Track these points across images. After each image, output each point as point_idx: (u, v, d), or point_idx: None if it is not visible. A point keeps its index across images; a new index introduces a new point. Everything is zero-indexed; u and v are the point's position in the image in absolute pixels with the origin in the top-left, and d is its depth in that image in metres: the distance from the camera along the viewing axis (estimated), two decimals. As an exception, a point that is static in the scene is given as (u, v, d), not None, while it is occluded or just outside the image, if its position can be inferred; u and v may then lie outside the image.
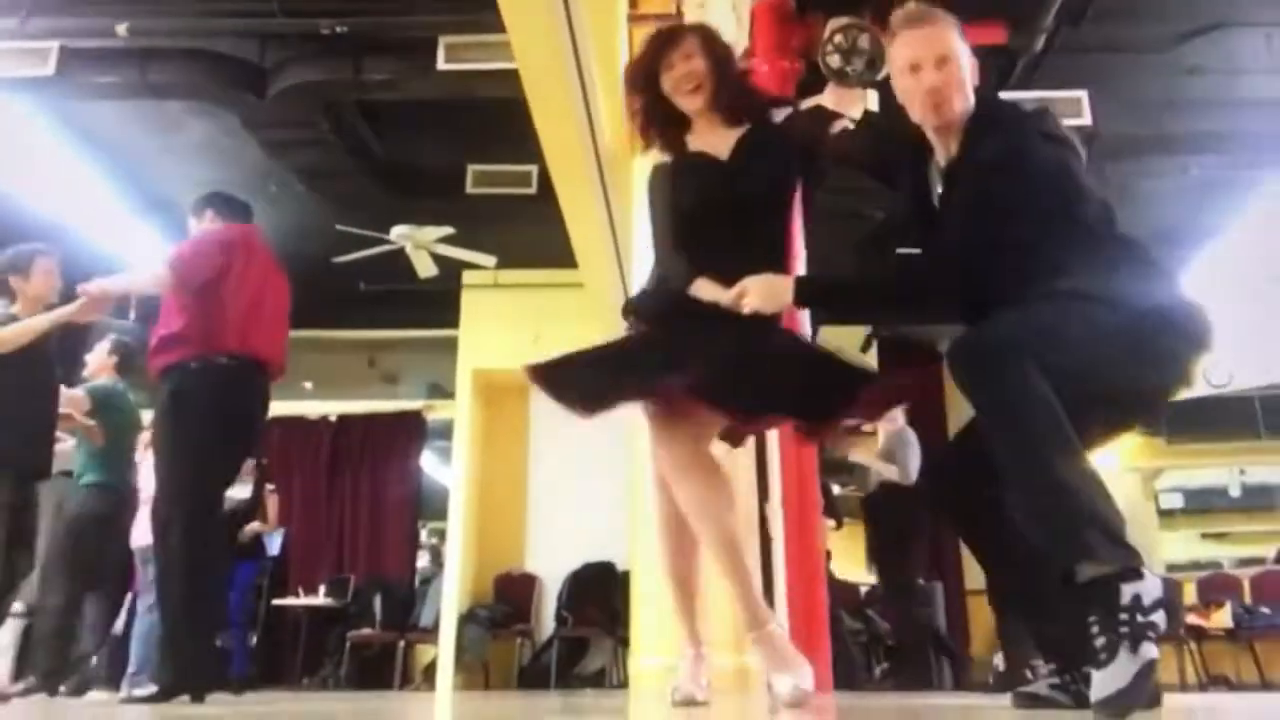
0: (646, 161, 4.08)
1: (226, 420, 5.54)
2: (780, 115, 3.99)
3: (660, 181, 3.96)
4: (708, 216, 3.79)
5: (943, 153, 3.37)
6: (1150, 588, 2.64)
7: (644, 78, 3.94)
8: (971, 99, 3.30)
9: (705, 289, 3.57)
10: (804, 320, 6.77)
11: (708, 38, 4.00)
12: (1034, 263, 3.09)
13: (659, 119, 3.95)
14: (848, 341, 13.20)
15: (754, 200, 3.81)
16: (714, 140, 3.90)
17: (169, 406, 5.53)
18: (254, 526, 10.36)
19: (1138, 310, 2.99)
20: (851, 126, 3.82)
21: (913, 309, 3.88)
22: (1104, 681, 2.57)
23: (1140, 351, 3.00)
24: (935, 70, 3.26)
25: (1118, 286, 3.01)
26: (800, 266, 6.69)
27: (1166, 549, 15.22)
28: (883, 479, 9.69)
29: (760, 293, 3.40)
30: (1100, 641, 2.60)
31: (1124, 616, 2.60)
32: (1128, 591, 2.62)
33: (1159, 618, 2.62)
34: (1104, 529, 2.68)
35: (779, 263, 3.76)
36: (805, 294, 3.45)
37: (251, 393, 5.76)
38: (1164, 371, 3.12)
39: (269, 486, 10.71)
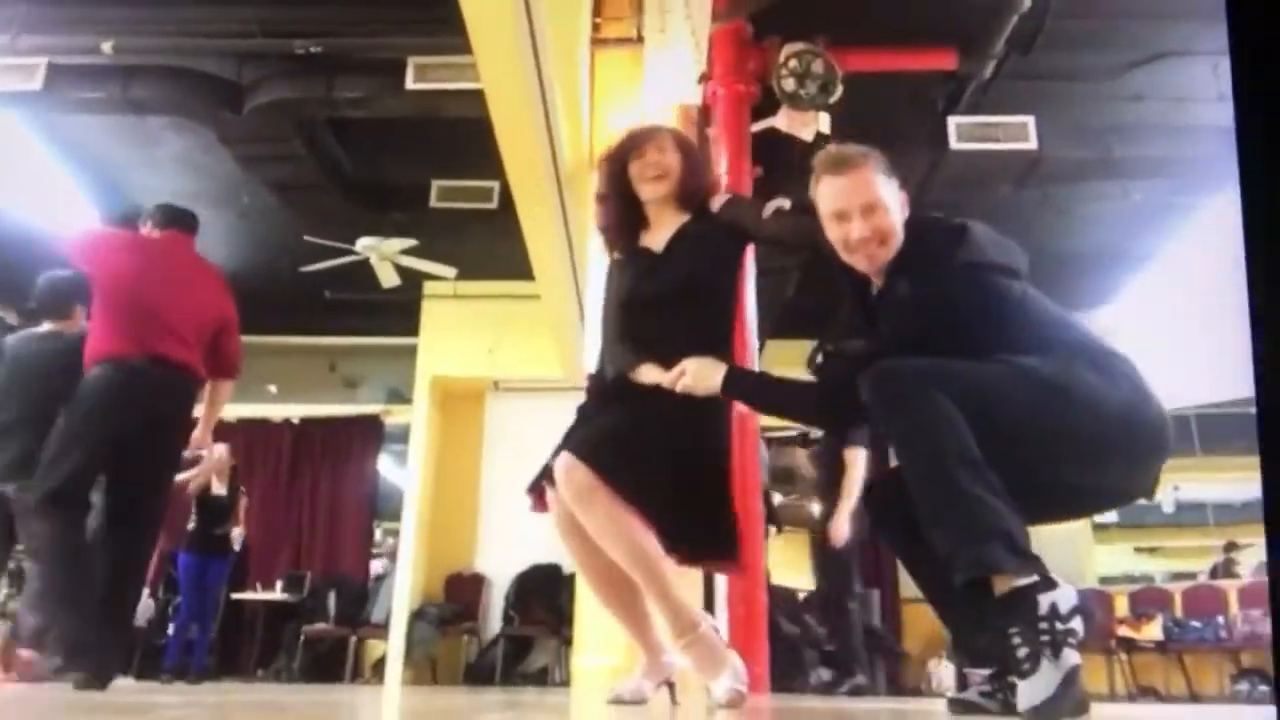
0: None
1: (112, 418, 5.58)
2: (718, 203, 4.07)
3: (610, 277, 4.14)
4: (640, 306, 3.92)
5: (875, 279, 3.37)
6: (1065, 596, 2.69)
7: (615, 164, 4.06)
8: (900, 236, 3.27)
9: (647, 373, 3.71)
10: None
11: (681, 139, 4.17)
12: None
13: (621, 212, 4.07)
14: (792, 355, 13.59)
15: (680, 290, 3.87)
16: (658, 235, 4.02)
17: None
18: (237, 532, 10.75)
19: (1106, 408, 2.99)
20: (786, 206, 3.82)
21: (829, 424, 4.00)
22: (1030, 691, 2.62)
23: (1106, 452, 3.00)
24: (862, 220, 3.23)
25: (1078, 375, 3.00)
26: (751, 283, 6.98)
27: (1100, 562, 15.28)
28: None
29: (692, 373, 3.56)
30: (1023, 652, 2.64)
31: (1043, 625, 2.64)
32: (1044, 601, 2.66)
33: (1077, 624, 2.66)
34: (1007, 542, 2.71)
35: (718, 347, 3.78)
36: (731, 385, 3.55)
37: (148, 391, 5.67)
38: (1133, 478, 3.15)
39: (241, 488, 11.09)
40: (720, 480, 3.86)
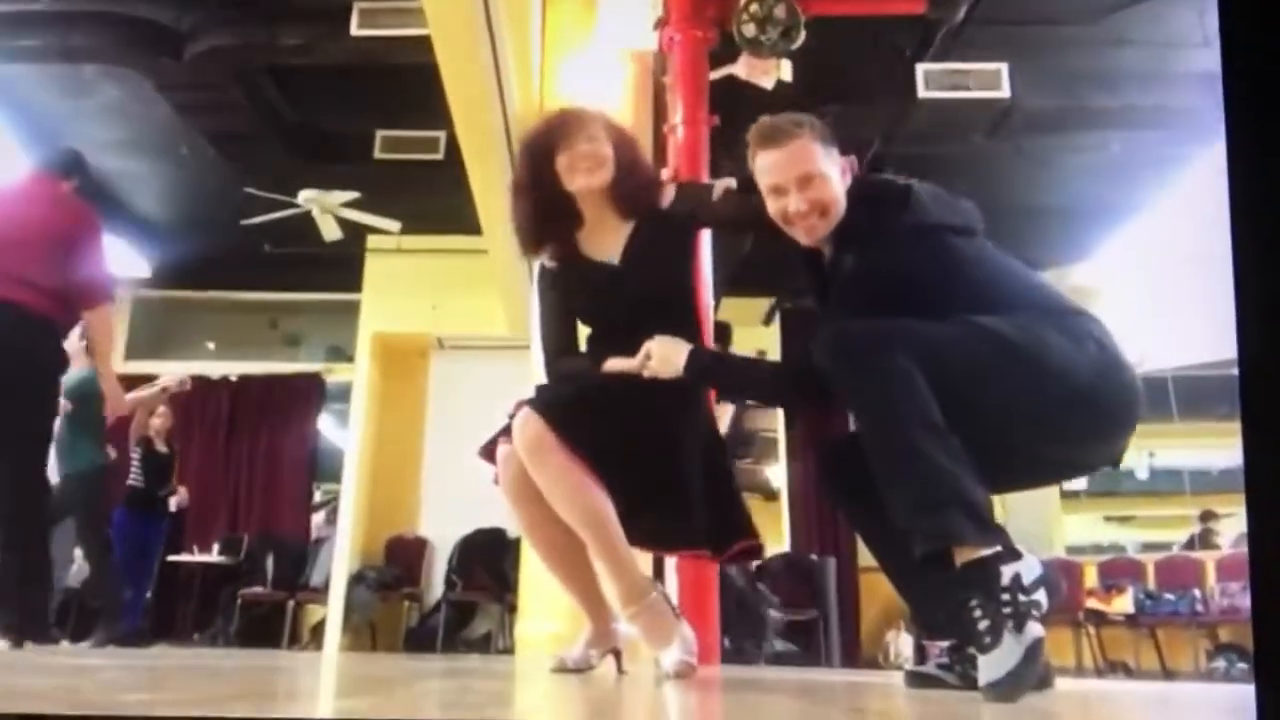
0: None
1: None
2: (667, 198, 3.84)
3: (549, 287, 3.86)
4: (604, 322, 3.77)
5: (824, 251, 3.33)
6: (1030, 566, 2.63)
7: (538, 154, 3.75)
8: (842, 205, 3.20)
9: (615, 364, 3.54)
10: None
11: (613, 125, 3.85)
12: None
13: (547, 209, 3.75)
14: (752, 312, 13.53)
15: (649, 305, 3.69)
16: (605, 241, 3.78)
17: None
18: (182, 492, 10.48)
19: (1071, 372, 2.92)
20: (734, 185, 3.69)
21: (788, 406, 3.92)
22: (992, 664, 2.56)
23: (1071, 420, 2.96)
24: (799, 192, 3.16)
25: (1042, 336, 2.93)
26: (707, 239, 6.82)
27: (1068, 531, 15.15)
28: None
29: (657, 355, 3.45)
30: (983, 625, 2.58)
31: (1005, 597, 2.58)
32: (1007, 572, 2.60)
33: (1041, 596, 2.60)
34: (969, 510, 2.66)
35: (690, 338, 3.62)
36: (694, 367, 3.43)
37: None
38: (1099, 449, 3.16)
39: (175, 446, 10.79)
40: (720, 472, 3.72)
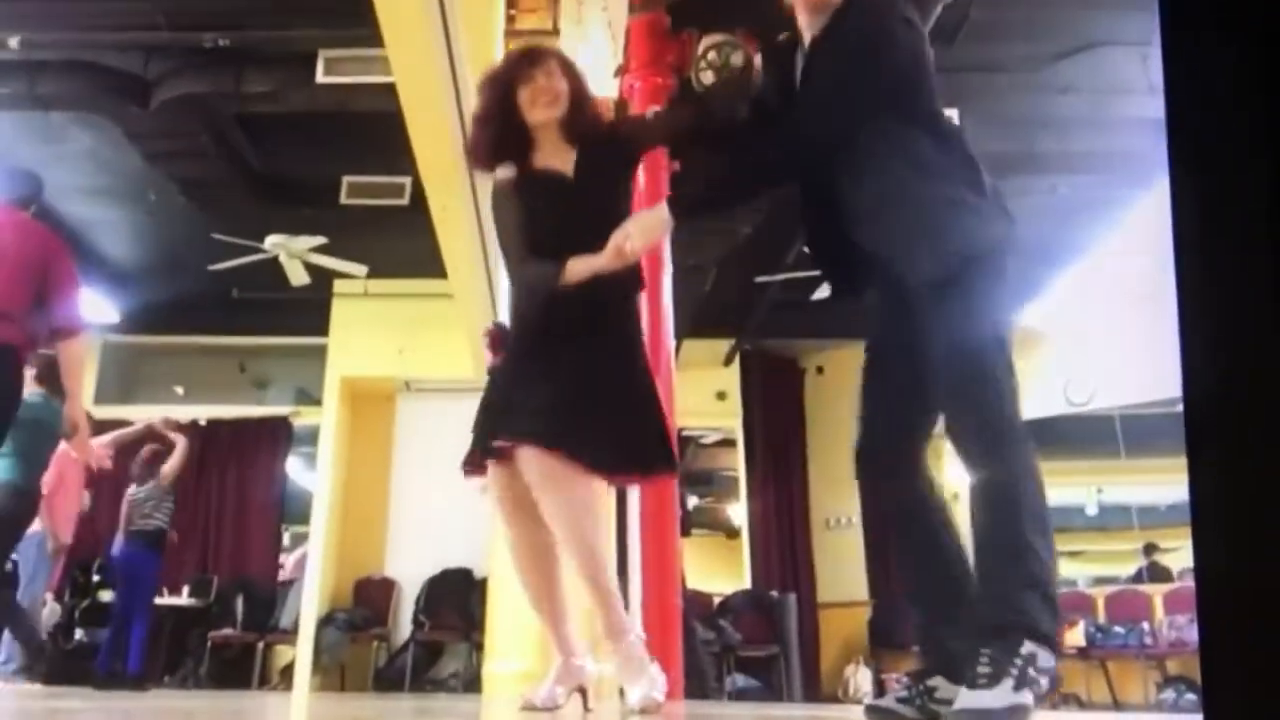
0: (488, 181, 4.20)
1: None
2: (607, 125, 4.27)
3: (506, 198, 4.03)
4: (560, 230, 3.85)
5: (809, 33, 3.38)
6: (1047, 656, 2.74)
7: (501, 88, 3.99)
8: None
9: (577, 267, 3.65)
10: (668, 331, 7.07)
11: (566, 63, 4.12)
12: (873, 162, 3.18)
13: (505, 135, 4.00)
14: (712, 353, 13.66)
15: (602, 214, 3.81)
16: (555, 160, 4.00)
17: None
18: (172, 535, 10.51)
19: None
20: (659, 108, 4.00)
21: (766, 192, 3.97)
22: (976, 697, 2.68)
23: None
24: None
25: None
26: (667, 280, 6.98)
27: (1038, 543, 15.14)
28: None
29: (641, 231, 3.54)
30: (985, 669, 2.70)
31: (1018, 662, 2.69)
32: (1029, 646, 2.72)
33: (1045, 683, 2.71)
34: (1051, 608, 2.81)
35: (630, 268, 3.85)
36: (681, 211, 3.51)
37: None
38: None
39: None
40: (654, 399, 3.97)
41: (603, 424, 3.74)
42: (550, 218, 3.90)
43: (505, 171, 4.02)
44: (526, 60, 4.06)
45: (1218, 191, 1.11)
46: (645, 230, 3.56)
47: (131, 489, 10.15)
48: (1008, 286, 3.22)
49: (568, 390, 3.73)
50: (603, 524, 3.81)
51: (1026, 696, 2.66)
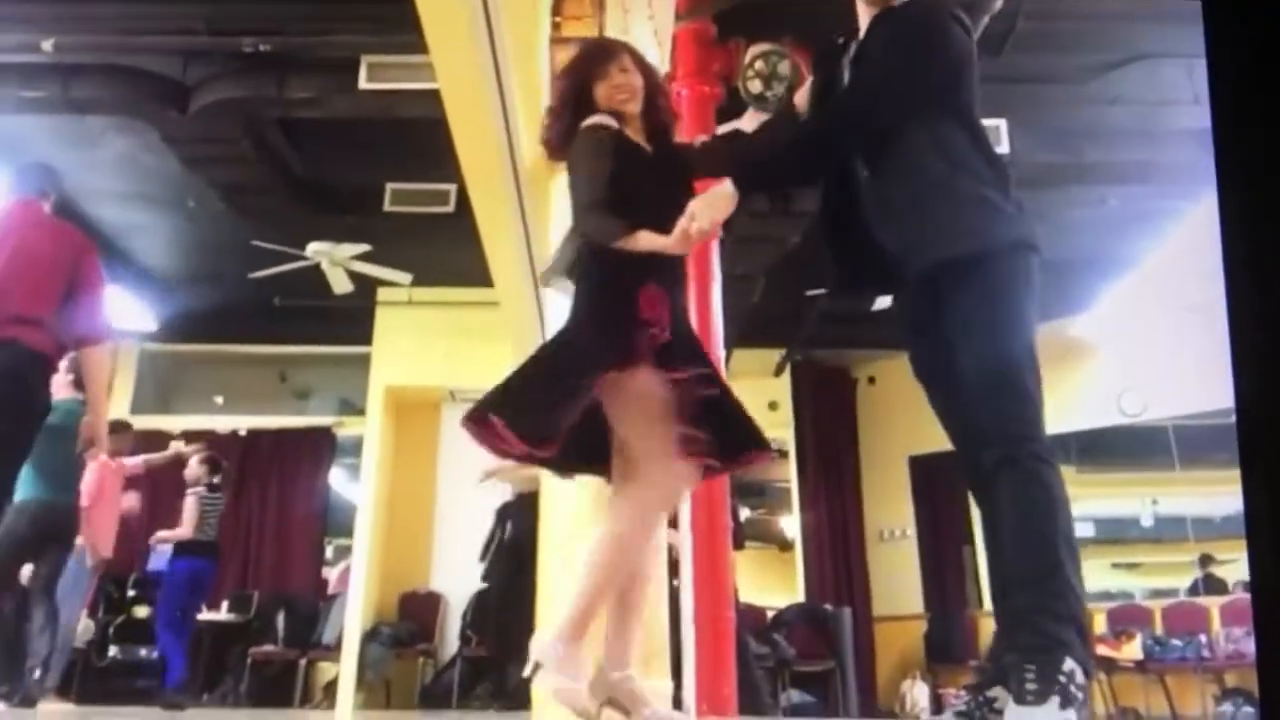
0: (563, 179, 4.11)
1: None
2: (678, 141, 4.17)
3: (600, 143, 3.88)
4: (633, 200, 3.73)
5: (866, 20, 3.52)
6: (1081, 674, 2.83)
7: (578, 81, 3.98)
8: None
9: (646, 238, 3.55)
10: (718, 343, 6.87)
11: (639, 57, 4.08)
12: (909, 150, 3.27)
13: (575, 111, 3.94)
14: (763, 363, 13.47)
15: (671, 202, 3.65)
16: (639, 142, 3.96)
17: None
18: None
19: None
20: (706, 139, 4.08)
21: (820, 169, 3.80)
22: (1025, 714, 2.77)
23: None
24: None
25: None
26: (717, 289, 6.83)
27: (1075, 564, 15.16)
28: None
29: (707, 208, 3.41)
30: (1032, 686, 2.79)
31: (1061, 679, 2.78)
32: (1070, 663, 2.82)
33: (1083, 695, 2.80)
34: (1080, 630, 2.90)
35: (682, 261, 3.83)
36: (744, 185, 3.46)
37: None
38: None
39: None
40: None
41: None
42: (629, 184, 3.75)
43: (603, 119, 3.88)
44: (602, 54, 4.05)
45: (1264, 203, 1.10)
46: (711, 208, 3.41)
47: (201, 491, 10.00)
48: (1034, 291, 3.24)
49: None
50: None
51: (1070, 715, 2.76)
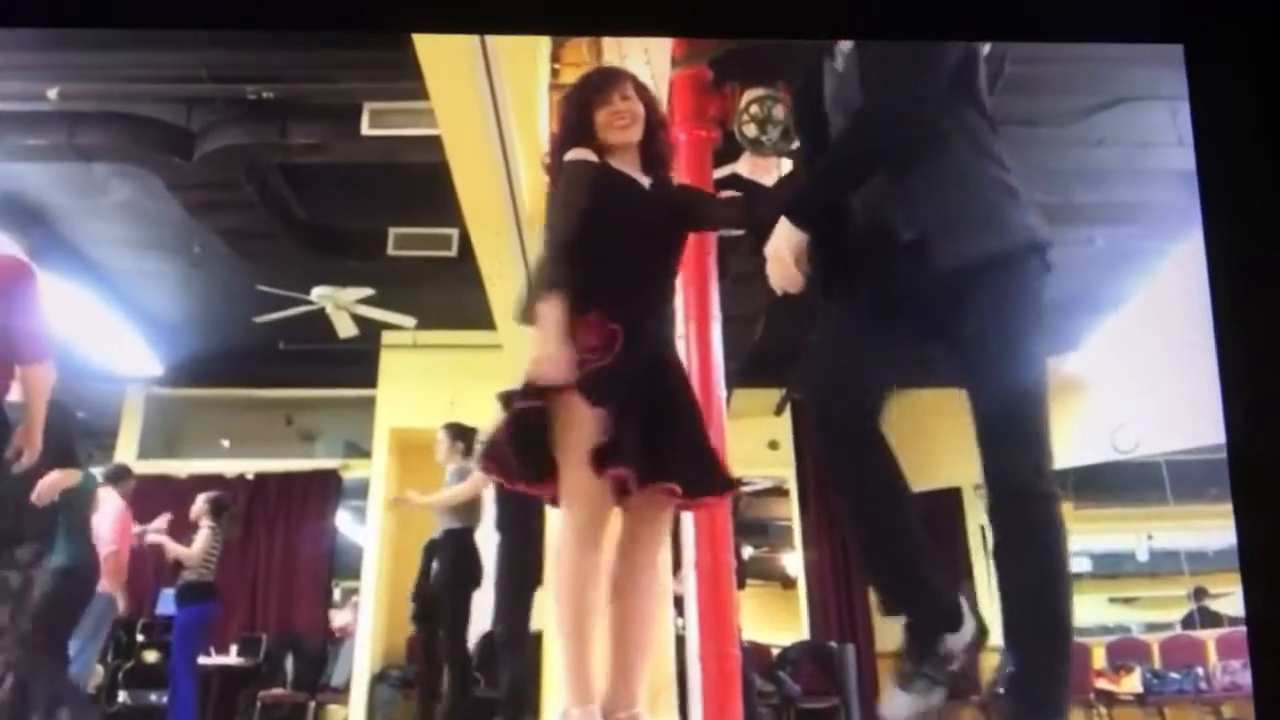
0: None
1: None
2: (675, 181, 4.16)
3: (583, 179, 3.85)
4: (623, 236, 3.80)
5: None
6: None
7: (578, 108, 3.96)
8: None
9: (539, 369, 3.63)
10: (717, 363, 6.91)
11: (642, 86, 4.07)
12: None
13: (575, 138, 3.92)
14: (764, 402, 13.49)
15: (661, 241, 3.88)
16: (632, 172, 3.93)
17: None
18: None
19: None
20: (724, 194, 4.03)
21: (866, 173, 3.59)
22: None
23: None
24: None
25: None
26: (717, 329, 6.87)
27: (1075, 612, 15.25)
28: None
29: (779, 276, 3.40)
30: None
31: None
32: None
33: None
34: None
35: (670, 301, 3.93)
36: (803, 221, 3.36)
37: None
38: None
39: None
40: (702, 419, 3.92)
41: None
42: (617, 219, 3.80)
43: (582, 154, 3.88)
44: (605, 80, 4.04)
45: (1248, 243, 1.18)
46: (783, 277, 3.41)
47: (214, 526, 10.03)
48: (1048, 296, 3.29)
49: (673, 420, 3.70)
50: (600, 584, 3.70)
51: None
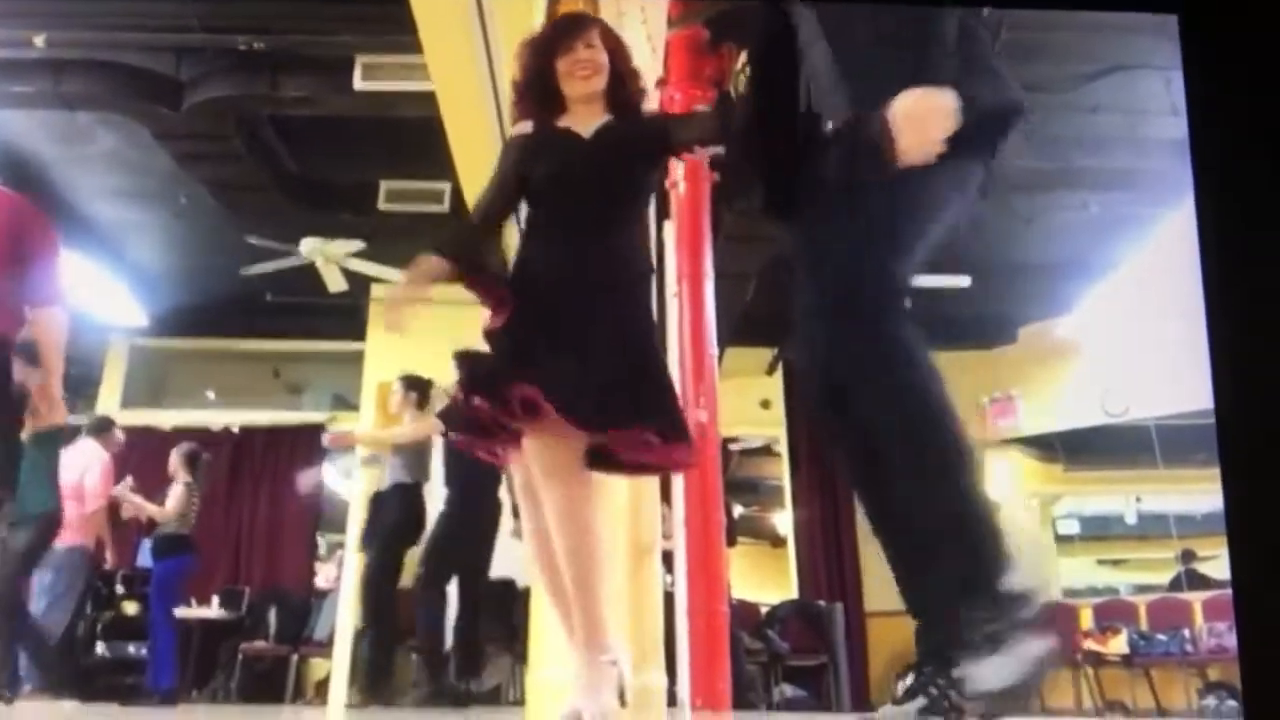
0: None
1: None
2: (645, 111, 4.11)
3: (511, 149, 3.95)
4: (557, 191, 3.80)
5: None
6: None
7: (540, 56, 3.90)
8: None
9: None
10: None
11: (609, 33, 3.99)
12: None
13: (537, 95, 3.90)
14: (756, 362, 13.48)
15: (606, 191, 3.80)
16: (582, 124, 3.87)
17: None
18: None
19: None
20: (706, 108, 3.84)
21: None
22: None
23: None
24: None
25: None
26: (710, 287, 6.85)
27: (1064, 574, 15.40)
28: None
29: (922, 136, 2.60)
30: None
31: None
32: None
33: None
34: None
35: (629, 247, 3.83)
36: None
37: None
38: None
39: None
40: (661, 359, 3.89)
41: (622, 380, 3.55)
42: (550, 176, 3.79)
43: (521, 128, 3.92)
44: (570, 29, 3.96)
45: (1239, 211, 1.21)
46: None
47: (190, 482, 9.95)
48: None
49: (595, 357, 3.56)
50: (603, 518, 3.64)
51: None
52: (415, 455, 8.89)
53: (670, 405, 3.73)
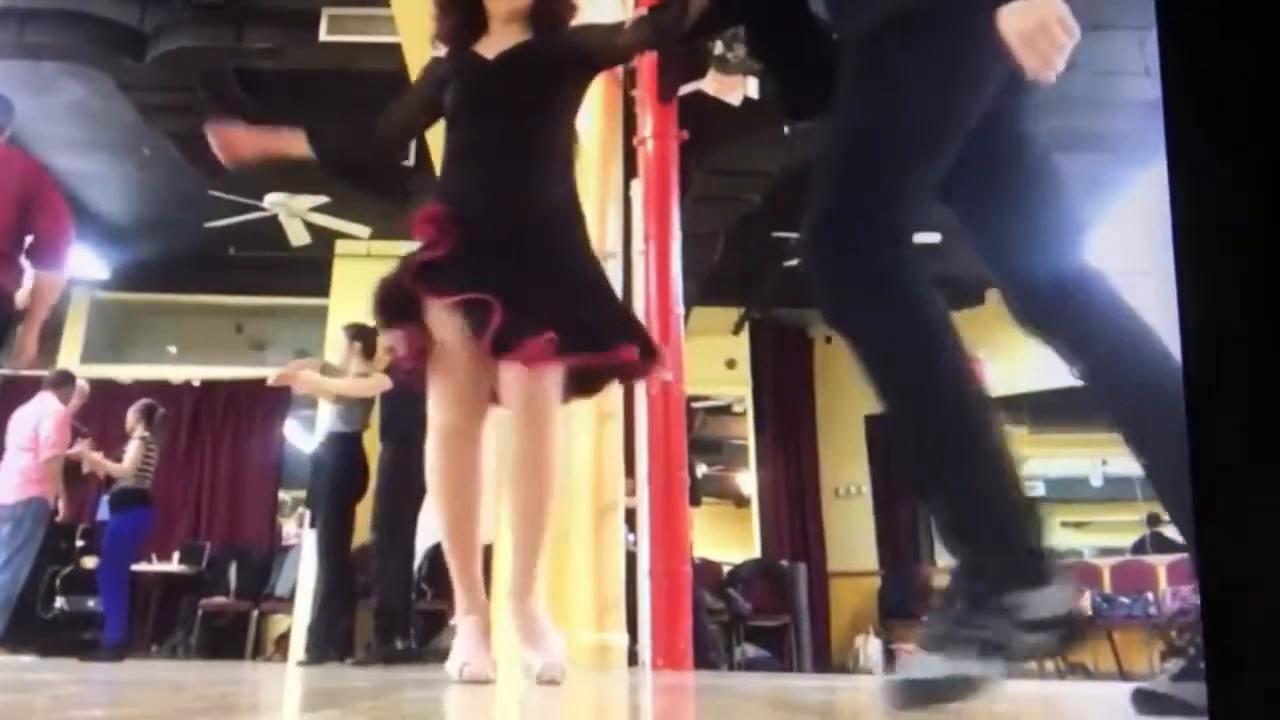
0: None
1: None
2: (567, 28, 3.91)
3: (423, 73, 4.02)
4: (466, 115, 3.75)
5: None
6: None
7: None
8: None
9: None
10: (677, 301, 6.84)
11: None
12: None
13: (458, 14, 3.82)
14: (722, 321, 13.50)
15: (512, 110, 3.70)
16: (495, 44, 3.79)
17: None
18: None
19: None
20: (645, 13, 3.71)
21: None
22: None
23: None
24: None
25: None
26: (676, 246, 6.82)
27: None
28: None
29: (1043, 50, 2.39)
30: None
31: None
32: None
33: None
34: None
35: (545, 168, 3.73)
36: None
37: None
38: None
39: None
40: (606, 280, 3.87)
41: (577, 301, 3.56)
42: (456, 104, 3.76)
43: (436, 51, 3.96)
44: None
45: (1211, 174, 1.09)
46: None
47: (147, 437, 9.86)
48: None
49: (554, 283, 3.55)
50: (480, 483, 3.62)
51: None
52: (354, 404, 8.76)
53: (637, 322, 3.87)
